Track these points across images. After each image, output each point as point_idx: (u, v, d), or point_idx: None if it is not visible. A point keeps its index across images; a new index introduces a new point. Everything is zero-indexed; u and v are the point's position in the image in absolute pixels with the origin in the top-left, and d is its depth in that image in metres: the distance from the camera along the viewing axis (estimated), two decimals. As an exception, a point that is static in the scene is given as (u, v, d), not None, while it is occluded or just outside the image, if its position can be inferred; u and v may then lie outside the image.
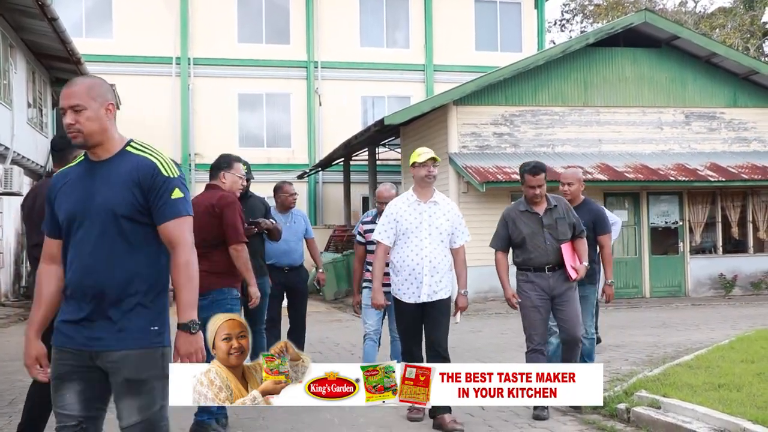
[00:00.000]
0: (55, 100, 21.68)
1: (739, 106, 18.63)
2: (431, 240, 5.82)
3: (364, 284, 7.06)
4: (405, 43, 26.61)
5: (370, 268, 6.66)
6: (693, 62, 18.45)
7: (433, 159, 5.86)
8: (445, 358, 5.71)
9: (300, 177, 24.43)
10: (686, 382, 6.28)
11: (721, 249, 18.11)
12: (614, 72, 18.24)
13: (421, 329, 5.93)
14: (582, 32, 38.57)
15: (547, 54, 17.96)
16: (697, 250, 18.01)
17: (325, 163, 23.33)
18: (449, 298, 5.93)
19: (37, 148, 19.29)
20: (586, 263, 6.21)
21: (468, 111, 17.16)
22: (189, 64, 24.87)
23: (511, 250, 6.34)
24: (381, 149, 22.94)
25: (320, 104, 25.56)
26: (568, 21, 42.47)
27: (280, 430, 5.70)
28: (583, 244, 6.27)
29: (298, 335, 7.86)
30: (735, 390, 5.91)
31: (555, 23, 42.38)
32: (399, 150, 21.46)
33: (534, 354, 6.07)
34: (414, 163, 5.89)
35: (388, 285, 6.24)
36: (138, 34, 24.57)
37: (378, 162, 22.45)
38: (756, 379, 6.29)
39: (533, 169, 6.06)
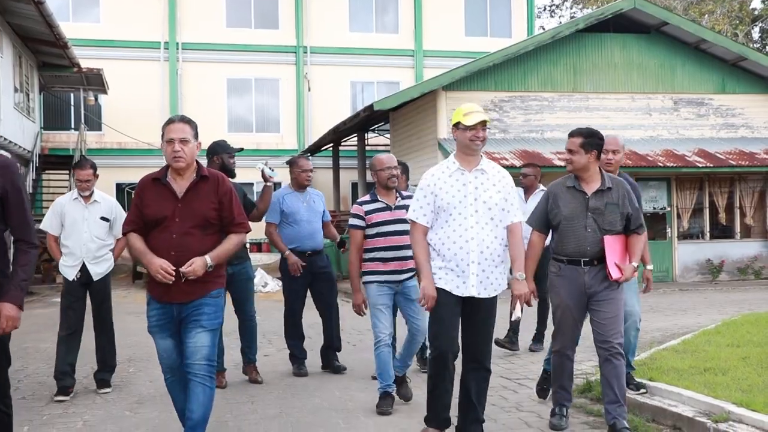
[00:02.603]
0: (42, 84, 21.54)
1: (727, 92, 18.69)
2: (479, 218, 4.66)
3: (366, 278, 5.95)
4: (394, 29, 26.55)
5: (368, 256, 5.91)
6: (682, 48, 18.49)
7: (484, 123, 4.71)
8: (487, 371, 4.80)
9: (288, 162, 24.37)
10: (673, 367, 6.34)
11: (708, 235, 18.22)
12: (604, 58, 18.26)
13: (458, 327, 4.76)
14: (572, 18, 38.55)
15: (536, 39, 17.95)
16: (685, 236, 18.11)
17: (315, 149, 23.30)
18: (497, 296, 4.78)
19: (24, 132, 19.17)
20: (635, 263, 5.07)
21: (457, 96, 17.14)
22: (177, 48, 24.74)
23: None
24: (370, 135, 22.93)
25: (309, 89, 25.50)
26: (557, 6, 42.44)
27: (270, 415, 5.72)
28: (639, 243, 5.11)
29: (332, 329, 7.30)
30: (720, 374, 5.97)
31: (545, 9, 42.37)
32: (388, 135, 21.45)
33: (559, 358, 5.28)
34: (458, 124, 4.74)
35: (377, 273, 5.82)
36: (126, 19, 24.42)
37: (367, 147, 22.44)
38: (741, 363, 6.35)
39: (570, 134, 5.12)
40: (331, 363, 7.38)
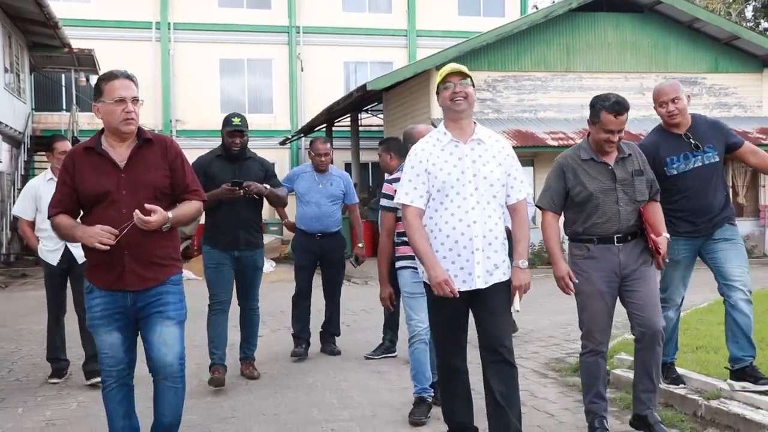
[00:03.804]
0: (32, 65, 21.40)
1: (720, 71, 18.69)
2: (479, 197, 4.02)
3: (400, 263, 5.23)
4: (387, 8, 26.40)
5: (401, 240, 5.10)
6: (675, 27, 18.46)
7: (461, 74, 4.08)
8: (510, 364, 4.08)
9: (282, 143, 24.33)
10: (665, 345, 6.38)
11: (701, 214, 18.26)
12: (597, 37, 18.22)
13: (465, 329, 4.18)
14: (565, -3, 38.36)
15: (530, 19, 17.89)
16: (678, 215, 18.14)
17: (308, 129, 23.24)
18: (509, 280, 4.11)
19: (15, 113, 19.06)
20: (666, 234, 4.51)
21: (451, 76, 17.09)
22: (169, 29, 24.57)
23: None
24: (363, 115, 22.87)
25: (302, 70, 25.38)
26: (551, -15, 42.23)
27: (263, 395, 5.74)
28: (659, 210, 4.61)
29: (332, 313, 7.36)
30: (712, 352, 6.01)
31: (538, -12, 42.13)
32: (381, 116, 21.39)
33: (592, 357, 4.51)
34: (438, 89, 4.17)
35: (412, 258, 4.84)
36: (117, -2, 24.21)
37: (360, 128, 22.39)
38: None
39: (615, 106, 4.37)
40: (327, 345, 7.39)
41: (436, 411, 5.07)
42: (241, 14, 25.05)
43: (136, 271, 3.72)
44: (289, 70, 25.41)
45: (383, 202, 5.19)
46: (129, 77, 3.80)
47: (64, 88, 23.97)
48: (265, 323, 9.15)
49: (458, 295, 3.92)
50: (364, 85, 17.33)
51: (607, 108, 4.36)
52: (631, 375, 5.58)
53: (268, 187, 6.15)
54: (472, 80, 4.11)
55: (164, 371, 3.79)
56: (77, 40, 20.95)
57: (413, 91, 18.09)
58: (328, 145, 7.29)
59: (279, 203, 6.48)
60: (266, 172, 6.28)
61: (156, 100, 24.14)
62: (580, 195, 4.45)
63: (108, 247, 3.58)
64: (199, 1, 24.81)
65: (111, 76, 3.78)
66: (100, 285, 3.78)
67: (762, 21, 36.18)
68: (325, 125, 23.04)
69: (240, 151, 6.19)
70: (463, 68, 4.10)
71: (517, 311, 4.16)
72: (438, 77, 4.14)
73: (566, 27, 17.96)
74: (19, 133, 19.44)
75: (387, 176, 5.70)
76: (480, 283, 4.01)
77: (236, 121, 6.16)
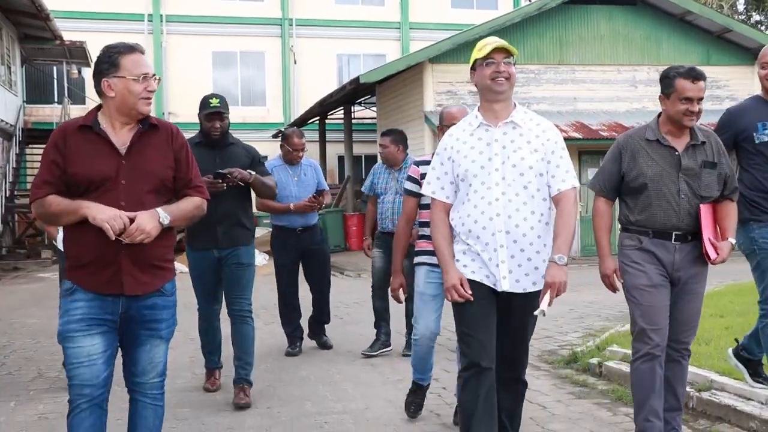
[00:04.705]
0: (24, 57, 21.29)
1: (712, 64, 18.69)
2: (506, 187, 3.52)
3: (418, 259, 4.77)
4: (380, 1, 26.36)
5: (422, 232, 4.72)
6: (667, 20, 18.48)
7: (506, 51, 3.59)
8: (523, 385, 3.79)
9: (275, 136, 24.28)
10: (657, 337, 6.40)
11: (693, 206, 18.32)
12: (589, 30, 18.22)
13: (492, 330, 3.59)
14: (558, -11, 38.37)
15: (523, 11, 17.88)
16: (670, 208, 18.20)
17: (301, 122, 23.20)
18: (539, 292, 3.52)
19: (6, 106, 18.98)
20: (732, 240, 4.01)
21: (444, 69, 17.07)
22: (162, 21, 24.48)
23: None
24: (356, 108, 22.84)
25: (295, 62, 25.33)
26: (544, -22, 42.22)
27: (256, 388, 5.74)
28: (734, 212, 4.07)
29: (322, 305, 7.14)
30: (704, 343, 6.03)
31: (531, -20, 42.13)
32: (374, 108, 21.38)
33: (646, 363, 3.90)
34: (474, 66, 3.70)
35: (431, 253, 4.34)
36: (108, -10, 24.10)
37: (353, 120, 22.37)
38: (724, 333, 6.41)
39: (692, 71, 3.90)
40: (318, 338, 7.37)
41: (434, 406, 5.10)
42: (234, 6, 24.98)
43: (133, 273, 3.20)
44: (282, 62, 25.35)
45: (406, 184, 4.82)
46: (143, 52, 3.35)
47: (55, 81, 23.87)
48: (259, 316, 9.12)
49: (472, 299, 3.48)
50: (357, 78, 17.31)
51: (683, 73, 3.89)
52: (624, 367, 5.61)
53: (253, 173, 5.35)
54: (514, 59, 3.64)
55: (145, 387, 3.34)
56: (69, 32, 20.86)
57: (406, 83, 18.07)
58: (304, 139, 7.06)
59: (266, 194, 5.74)
60: (252, 159, 5.51)
61: (148, 93, 24.03)
62: (636, 181, 3.94)
63: (113, 236, 3.05)
64: (192, -7, 24.72)
65: (130, 48, 3.28)
66: (87, 287, 3.20)
67: (754, 14, 36.24)
68: (318, 118, 23.01)
69: (221, 137, 5.41)
70: (509, 45, 3.61)
71: (543, 314, 3.46)
72: (476, 51, 3.66)
73: (559, 19, 17.96)
74: (11, 126, 19.36)
75: (416, 158, 5.13)
76: (506, 285, 3.50)
77: (214, 102, 5.42)
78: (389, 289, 4.91)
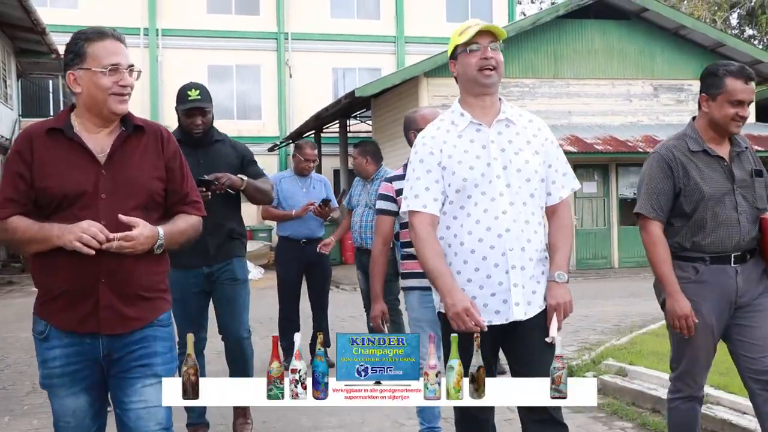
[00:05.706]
0: (19, 71, 21.32)
1: (706, 78, 18.83)
2: (512, 197, 2.97)
3: (406, 283, 4.21)
4: (376, 15, 26.47)
5: (407, 252, 4.12)
6: (661, 34, 18.60)
7: (492, 35, 3.04)
8: (561, 423, 2.98)
9: (270, 149, 24.32)
10: (652, 350, 6.40)
11: (687, 220, 18.36)
12: (584, 44, 18.32)
13: (493, 372, 2.95)
14: (552, 4, 38.58)
15: (517, 25, 17.97)
16: (665, 221, 18.24)
17: (296, 136, 23.22)
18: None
19: (1, 119, 19.00)
20: None
21: (439, 83, 17.13)
22: (157, 35, 24.55)
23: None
24: (352, 121, 22.89)
25: (290, 76, 25.40)
26: (538, -8, 42.41)
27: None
28: None
29: (320, 323, 6.89)
30: (699, 357, 6.03)
31: (526, -5, 42.31)
32: (370, 122, 21.42)
33: (687, 404, 3.56)
34: (454, 54, 3.11)
35: (421, 276, 3.62)
36: (104, 4, 24.17)
37: (349, 134, 22.41)
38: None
39: (744, 70, 3.42)
40: None
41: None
42: (230, 20, 25.05)
43: (114, 306, 2.62)
44: (277, 76, 25.42)
45: (380, 204, 4.31)
46: (119, 39, 2.76)
47: (51, 94, 23.90)
48: (255, 330, 9.05)
49: (486, 329, 2.84)
50: (353, 92, 17.37)
51: (735, 72, 3.39)
52: (619, 381, 5.61)
53: (245, 178, 4.55)
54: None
55: None
56: (65, 46, 20.88)
57: (402, 97, 18.12)
58: (316, 150, 7.11)
59: (261, 200, 4.87)
60: (242, 159, 4.71)
61: (144, 107, 24.08)
62: (692, 198, 3.39)
63: (93, 251, 2.50)
64: (188, 8, 24.80)
65: (98, 34, 2.72)
66: (61, 326, 2.65)
67: (747, 28, 36.47)
68: (313, 131, 23.05)
69: (204, 134, 4.57)
70: (496, 27, 3.07)
71: (553, 342, 2.83)
72: (457, 35, 3.08)
73: (553, 34, 18.06)
74: (6, 139, 19.36)
75: (389, 173, 4.95)
76: (519, 313, 2.94)
77: (193, 94, 4.50)
78: (371, 317, 4.32)
